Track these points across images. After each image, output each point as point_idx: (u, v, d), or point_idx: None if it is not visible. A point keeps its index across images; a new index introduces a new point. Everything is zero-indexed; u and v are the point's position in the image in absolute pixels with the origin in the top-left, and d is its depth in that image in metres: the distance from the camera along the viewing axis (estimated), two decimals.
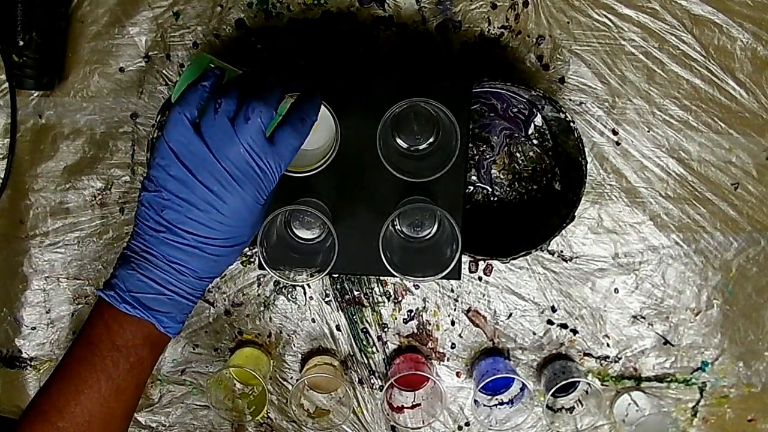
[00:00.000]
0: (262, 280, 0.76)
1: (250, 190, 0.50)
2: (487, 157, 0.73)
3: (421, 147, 0.66)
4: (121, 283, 0.51)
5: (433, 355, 0.77)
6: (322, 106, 0.58)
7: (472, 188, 0.74)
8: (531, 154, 0.73)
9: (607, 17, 0.72)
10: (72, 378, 0.52)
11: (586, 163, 0.65)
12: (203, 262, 0.51)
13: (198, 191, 0.49)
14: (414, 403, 0.76)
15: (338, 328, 0.77)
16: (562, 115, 0.65)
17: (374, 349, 0.77)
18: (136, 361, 0.52)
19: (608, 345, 0.76)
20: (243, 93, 0.50)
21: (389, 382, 0.71)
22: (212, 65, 0.55)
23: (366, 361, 0.77)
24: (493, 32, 0.72)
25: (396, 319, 0.76)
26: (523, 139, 0.73)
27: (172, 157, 0.49)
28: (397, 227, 0.67)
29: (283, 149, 0.50)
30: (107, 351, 0.51)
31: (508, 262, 0.75)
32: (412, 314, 0.76)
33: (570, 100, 0.73)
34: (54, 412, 0.51)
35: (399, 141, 0.66)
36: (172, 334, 0.53)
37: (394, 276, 0.59)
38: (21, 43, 0.69)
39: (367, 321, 0.76)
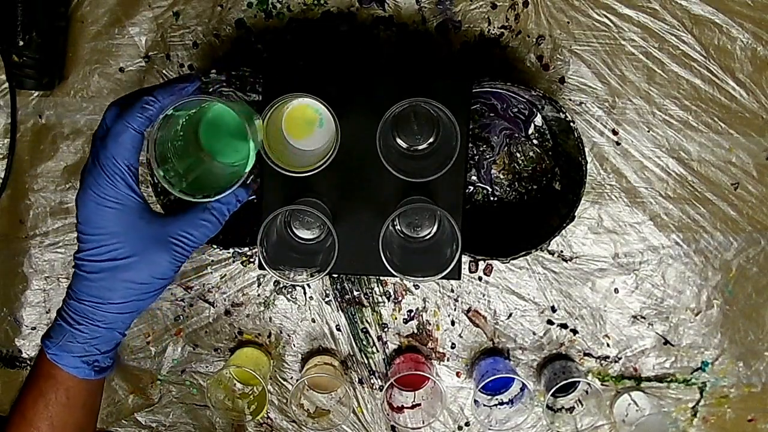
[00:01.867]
0: (262, 280, 0.76)
1: (84, 186, 0.48)
2: (487, 157, 0.73)
3: (421, 147, 0.66)
4: None
5: (433, 355, 0.77)
6: (323, 106, 0.58)
7: (472, 188, 0.74)
8: (531, 154, 0.73)
9: (607, 17, 0.72)
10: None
11: (586, 163, 0.65)
12: (79, 281, 0.50)
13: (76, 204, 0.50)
14: (414, 403, 0.76)
15: (338, 328, 0.77)
16: (562, 115, 0.65)
17: (374, 349, 0.77)
18: (38, 394, 0.52)
19: (608, 345, 0.76)
20: None
21: (389, 382, 0.71)
22: None
23: (366, 361, 0.77)
24: (493, 32, 0.72)
25: (396, 319, 0.76)
26: (523, 139, 0.73)
27: None
28: (397, 227, 0.67)
29: (107, 139, 0.48)
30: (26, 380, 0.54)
31: (508, 262, 0.75)
32: (412, 314, 0.76)
33: (570, 100, 0.73)
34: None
35: (399, 141, 0.66)
36: (55, 359, 0.52)
37: (394, 276, 0.59)
38: (21, 43, 0.69)
39: (367, 321, 0.76)
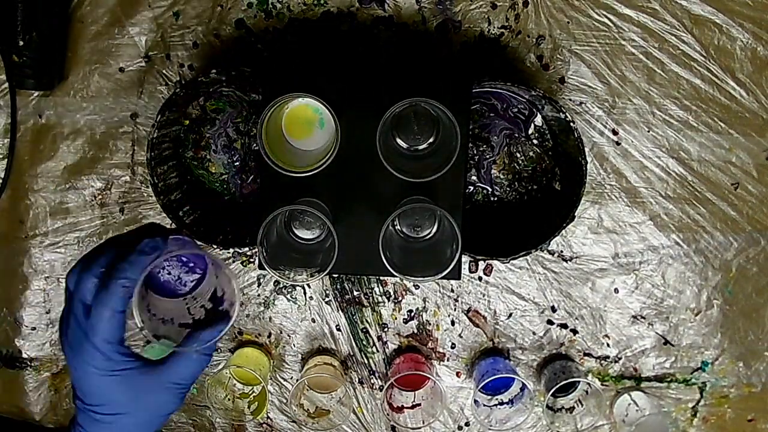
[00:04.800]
0: (262, 280, 0.76)
1: (80, 357, 0.51)
2: (487, 157, 0.73)
3: (421, 147, 0.66)
4: None
5: (433, 355, 0.77)
6: (323, 106, 0.58)
7: (472, 188, 0.74)
8: (531, 154, 0.73)
9: (607, 17, 0.72)
10: None
11: (586, 163, 0.65)
12: (96, 426, 0.52)
13: (65, 356, 0.51)
14: (414, 403, 0.76)
15: (338, 328, 0.77)
16: (562, 115, 0.65)
17: (374, 349, 0.77)
18: None
19: (608, 345, 0.76)
20: None
21: (389, 382, 0.71)
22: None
23: (366, 361, 0.77)
24: (493, 32, 0.72)
25: (396, 319, 0.76)
26: (523, 139, 0.73)
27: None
28: (397, 227, 0.67)
29: (94, 322, 0.50)
30: None
31: (508, 262, 0.75)
32: (412, 314, 0.76)
33: (570, 100, 0.73)
34: None
35: (399, 141, 0.66)
36: None
37: (394, 276, 0.59)
38: (21, 43, 0.69)
39: (367, 321, 0.76)
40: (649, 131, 0.73)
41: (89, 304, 0.50)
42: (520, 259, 0.71)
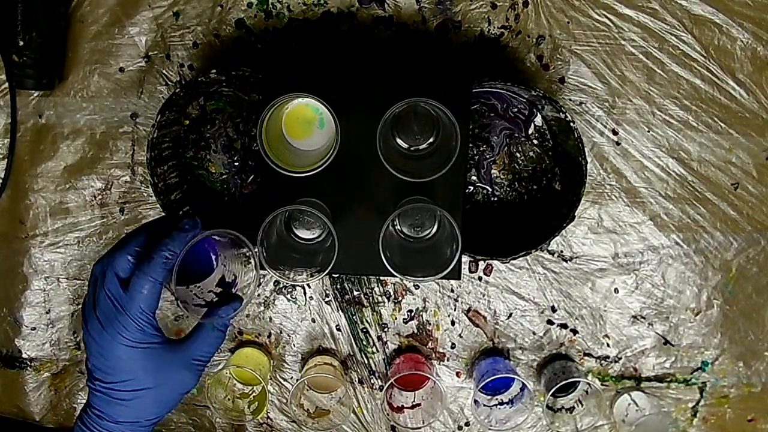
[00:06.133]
0: (262, 280, 0.76)
1: (111, 330, 0.53)
2: (487, 157, 0.73)
3: (421, 147, 0.66)
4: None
5: (433, 355, 0.77)
6: (323, 106, 0.58)
7: (472, 188, 0.74)
8: (531, 154, 0.73)
9: (607, 17, 0.72)
10: None
11: (586, 163, 0.65)
12: (112, 406, 0.54)
13: (89, 339, 0.53)
14: (414, 403, 0.76)
15: (338, 328, 0.77)
16: (562, 115, 0.65)
17: (374, 349, 0.77)
18: None
19: (608, 345, 0.76)
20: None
21: (389, 382, 0.71)
22: None
23: (366, 361, 0.77)
24: (493, 32, 0.72)
25: (396, 319, 0.76)
26: (523, 139, 0.73)
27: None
28: (397, 227, 0.67)
29: (133, 292, 0.53)
30: None
31: (508, 262, 0.75)
32: (412, 314, 0.76)
33: (570, 100, 0.73)
34: None
35: (399, 141, 0.66)
36: None
37: (394, 276, 0.59)
38: (21, 43, 0.69)
39: (367, 321, 0.76)
40: (649, 131, 0.73)
41: (124, 278, 0.53)
42: (520, 259, 0.71)
